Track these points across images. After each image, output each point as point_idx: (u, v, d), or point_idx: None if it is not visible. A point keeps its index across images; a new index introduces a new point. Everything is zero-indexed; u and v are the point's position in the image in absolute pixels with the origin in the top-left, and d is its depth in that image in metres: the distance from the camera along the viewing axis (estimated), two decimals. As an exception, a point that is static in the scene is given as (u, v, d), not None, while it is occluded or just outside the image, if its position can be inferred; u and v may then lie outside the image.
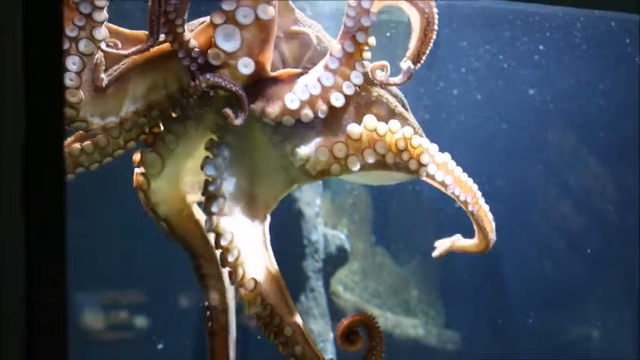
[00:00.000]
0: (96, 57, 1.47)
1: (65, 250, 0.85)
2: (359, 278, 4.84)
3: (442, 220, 5.18)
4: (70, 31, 1.43)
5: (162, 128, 1.60)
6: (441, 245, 1.68)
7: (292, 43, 1.61)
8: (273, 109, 1.50)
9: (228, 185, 1.52)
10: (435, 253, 1.68)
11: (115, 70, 1.52)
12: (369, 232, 4.99)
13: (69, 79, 1.44)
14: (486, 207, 1.57)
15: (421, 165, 1.53)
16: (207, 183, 1.51)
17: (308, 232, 3.70)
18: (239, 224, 1.52)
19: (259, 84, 1.52)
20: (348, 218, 4.80)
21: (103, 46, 1.47)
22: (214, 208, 1.49)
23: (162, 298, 3.86)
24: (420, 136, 1.60)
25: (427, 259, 5.26)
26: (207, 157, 1.52)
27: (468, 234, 1.67)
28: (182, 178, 1.64)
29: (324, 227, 3.85)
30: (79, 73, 1.45)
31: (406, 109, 1.66)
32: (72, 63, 1.44)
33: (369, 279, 4.92)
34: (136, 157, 1.60)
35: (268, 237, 1.60)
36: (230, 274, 1.51)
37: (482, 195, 1.58)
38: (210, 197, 1.50)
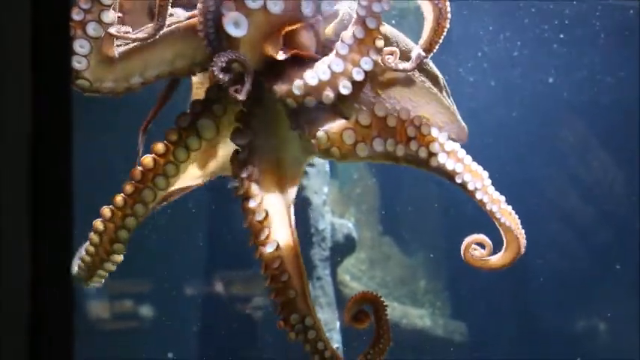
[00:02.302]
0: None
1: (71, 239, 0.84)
2: (366, 268, 4.84)
3: (450, 210, 5.18)
4: (76, 15, 1.42)
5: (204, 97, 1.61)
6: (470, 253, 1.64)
7: (328, 23, 1.62)
8: (280, 89, 1.52)
9: (257, 153, 1.56)
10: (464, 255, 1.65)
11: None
12: (376, 222, 4.99)
13: (77, 62, 1.43)
14: (500, 197, 1.55)
15: (431, 154, 1.52)
16: (236, 152, 1.55)
17: (315, 221, 3.68)
18: (267, 189, 1.56)
19: (279, 63, 1.54)
20: (355, 207, 4.79)
21: (112, 30, 1.46)
22: (244, 174, 1.53)
23: (167, 287, 3.87)
24: (452, 114, 1.61)
25: (434, 250, 5.28)
26: (237, 128, 1.55)
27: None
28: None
29: (332, 216, 3.84)
30: (86, 56, 1.45)
31: (440, 88, 1.65)
32: (80, 46, 1.44)
33: (376, 269, 4.92)
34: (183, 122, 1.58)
35: (292, 207, 1.62)
36: (254, 234, 1.53)
37: (493, 184, 1.56)
38: (239, 165, 1.54)
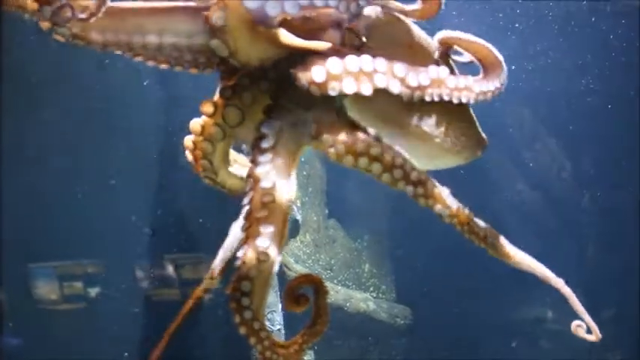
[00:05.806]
0: None
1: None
2: (311, 251, 4.84)
3: (397, 195, 5.19)
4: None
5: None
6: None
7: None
8: (305, 76, 1.54)
9: (282, 142, 1.59)
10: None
11: None
12: (322, 205, 4.99)
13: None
14: (439, 187, 1.54)
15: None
16: (258, 138, 1.55)
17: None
18: (281, 176, 1.56)
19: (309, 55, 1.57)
20: (302, 190, 4.79)
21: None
22: (264, 159, 1.53)
23: (115, 269, 3.87)
24: (475, 126, 1.64)
25: (380, 234, 5.28)
26: (264, 119, 1.56)
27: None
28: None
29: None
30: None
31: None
32: None
33: (321, 252, 4.92)
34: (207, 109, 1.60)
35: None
36: (252, 211, 1.53)
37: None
38: (261, 151, 1.54)
